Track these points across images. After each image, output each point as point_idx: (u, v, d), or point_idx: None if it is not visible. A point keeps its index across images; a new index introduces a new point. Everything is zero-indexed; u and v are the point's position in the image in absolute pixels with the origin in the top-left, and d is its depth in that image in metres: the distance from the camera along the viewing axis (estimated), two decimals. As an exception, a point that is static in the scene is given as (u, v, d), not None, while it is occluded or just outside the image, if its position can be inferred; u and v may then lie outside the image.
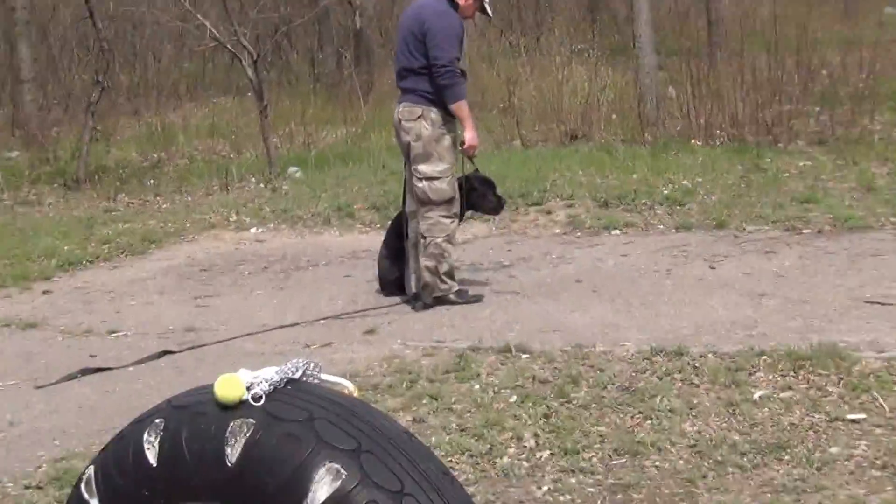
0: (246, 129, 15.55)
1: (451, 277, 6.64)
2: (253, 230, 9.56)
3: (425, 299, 6.60)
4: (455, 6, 6.50)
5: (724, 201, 8.87)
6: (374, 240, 8.17)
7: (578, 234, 8.55)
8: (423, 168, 6.44)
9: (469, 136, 6.48)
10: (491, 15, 6.81)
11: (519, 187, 9.39)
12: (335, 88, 18.59)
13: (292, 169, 12.14)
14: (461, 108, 6.43)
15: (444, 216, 6.55)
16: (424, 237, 6.55)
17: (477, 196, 6.84)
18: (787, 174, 9.68)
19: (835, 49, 13.36)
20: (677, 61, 13.48)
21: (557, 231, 8.70)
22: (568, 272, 7.30)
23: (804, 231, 7.93)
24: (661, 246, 7.86)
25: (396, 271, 6.94)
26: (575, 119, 12.82)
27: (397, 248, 6.88)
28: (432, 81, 6.40)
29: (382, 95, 16.85)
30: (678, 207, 8.82)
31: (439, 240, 6.54)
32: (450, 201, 6.54)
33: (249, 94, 15.69)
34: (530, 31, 20.31)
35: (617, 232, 8.49)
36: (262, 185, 11.67)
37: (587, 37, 16.75)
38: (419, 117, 6.43)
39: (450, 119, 6.52)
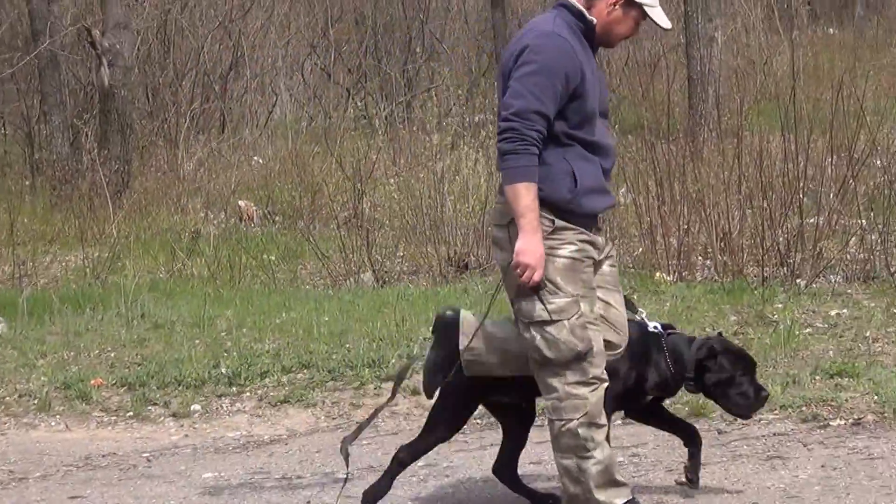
0: None
1: (615, 484, 5.45)
2: (-85, 421, 8.55)
3: None
4: (585, 24, 5.36)
5: (705, 374, 8.26)
6: (123, 437, 7.65)
7: (476, 421, 7.41)
8: (526, 308, 5.33)
9: (519, 245, 5.29)
10: (666, 26, 5.59)
11: (367, 351, 8.51)
12: (67, 185, 16.11)
13: (-11, 318, 11.52)
14: (518, 195, 5.25)
15: (576, 383, 5.38)
16: (552, 421, 5.46)
17: (719, 377, 5.89)
18: (810, 329, 8.81)
19: (894, 126, 11.93)
20: (635, 145, 11.99)
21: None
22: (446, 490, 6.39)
23: (832, 423, 7.27)
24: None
25: None
26: (464, 239, 11.18)
27: None
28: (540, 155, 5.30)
29: (146, 197, 15.07)
30: (596, 383, 8.17)
31: (574, 424, 5.39)
32: (580, 357, 5.36)
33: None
34: (396, 92, 17.49)
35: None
36: (-66, 345, 10.92)
37: (487, 101, 14.26)
38: (510, 222, 5.34)
39: (571, 222, 5.34)
